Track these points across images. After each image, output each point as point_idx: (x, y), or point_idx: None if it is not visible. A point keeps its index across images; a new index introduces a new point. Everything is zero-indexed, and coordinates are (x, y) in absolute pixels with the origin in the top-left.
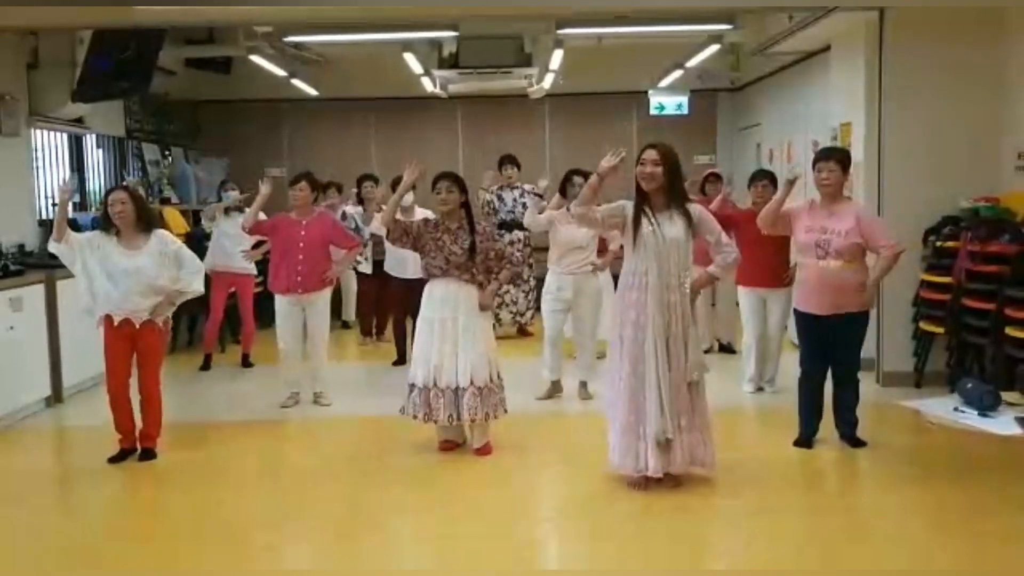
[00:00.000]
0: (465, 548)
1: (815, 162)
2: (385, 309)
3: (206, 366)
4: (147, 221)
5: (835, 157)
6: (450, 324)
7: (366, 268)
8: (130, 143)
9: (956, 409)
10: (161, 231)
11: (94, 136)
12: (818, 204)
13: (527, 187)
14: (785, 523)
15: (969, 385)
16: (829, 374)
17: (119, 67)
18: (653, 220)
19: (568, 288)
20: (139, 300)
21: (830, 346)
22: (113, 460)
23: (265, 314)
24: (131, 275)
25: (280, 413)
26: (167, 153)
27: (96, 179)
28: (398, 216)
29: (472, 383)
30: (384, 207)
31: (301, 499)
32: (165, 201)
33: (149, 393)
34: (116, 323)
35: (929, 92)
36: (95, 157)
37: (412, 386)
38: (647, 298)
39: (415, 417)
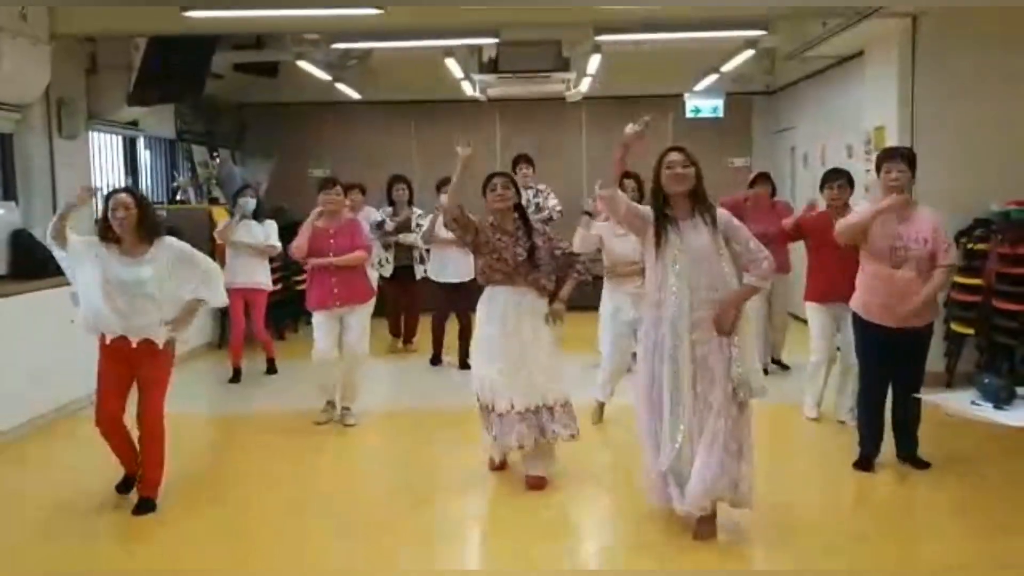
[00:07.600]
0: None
1: (881, 162)
2: (411, 313)
3: (236, 378)
4: (149, 228)
5: (903, 156)
6: (515, 340)
7: (387, 271)
8: (180, 145)
9: (973, 403)
10: (167, 237)
11: (145, 138)
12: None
13: (541, 187)
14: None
15: (986, 380)
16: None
17: (173, 72)
18: (676, 229)
19: (627, 307)
20: (139, 317)
21: (895, 361)
22: (120, 488)
23: (288, 320)
24: (131, 287)
25: (311, 407)
26: (215, 154)
27: (147, 179)
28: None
29: (542, 404)
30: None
31: (334, 495)
32: (213, 201)
33: (151, 429)
34: (109, 341)
35: (962, 96)
36: (146, 158)
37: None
38: (665, 316)
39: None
